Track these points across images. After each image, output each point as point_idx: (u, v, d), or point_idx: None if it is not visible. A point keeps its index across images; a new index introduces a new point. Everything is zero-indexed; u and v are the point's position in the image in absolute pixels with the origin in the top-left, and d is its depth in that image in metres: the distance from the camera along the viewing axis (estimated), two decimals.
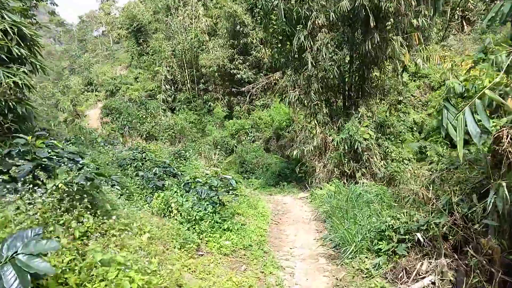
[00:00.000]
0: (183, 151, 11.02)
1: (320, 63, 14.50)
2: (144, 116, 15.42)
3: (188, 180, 7.70)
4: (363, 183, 13.05)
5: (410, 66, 14.31)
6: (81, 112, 30.50)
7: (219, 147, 26.09)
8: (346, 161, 13.31)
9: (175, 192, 7.45)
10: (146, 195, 8.18)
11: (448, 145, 16.79)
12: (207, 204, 6.70)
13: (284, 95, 15.82)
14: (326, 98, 14.90)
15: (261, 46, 28.04)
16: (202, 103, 29.51)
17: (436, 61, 13.52)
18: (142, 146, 9.73)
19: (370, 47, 12.36)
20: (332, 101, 15.07)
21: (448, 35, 25.68)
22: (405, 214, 5.74)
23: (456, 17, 26.48)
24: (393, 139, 13.92)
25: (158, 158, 10.63)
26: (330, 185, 12.02)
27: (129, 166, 9.37)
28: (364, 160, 13.07)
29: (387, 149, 13.48)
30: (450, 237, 4.86)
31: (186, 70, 30.03)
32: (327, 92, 14.80)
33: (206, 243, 6.32)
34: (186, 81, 30.28)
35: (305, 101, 14.89)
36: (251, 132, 25.20)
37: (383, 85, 14.30)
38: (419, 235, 4.92)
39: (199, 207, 6.65)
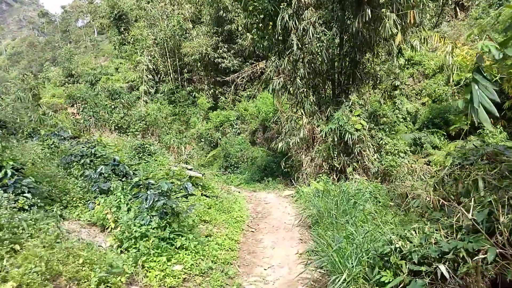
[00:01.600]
0: (148, 145, 9.27)
1: (306, 45, 12.80)
2: (112, 106, 13.58)
3: (137, 182, 5.95)
4: (354, 179, 11.45)
5: (406, 49, 12.63)
6: (61, 105, 28.37)
7: (203, 140, 24.37)
8: (335, 155, 11.70)
9: (119, 198, 5.71)
10: (88, 201, 6.44)
11: (444, 136, 15.26)
12: (152, 216, 4.98)
13: (268, 83, 14.05)
14: (314, 84, 13.22)
15: (247, 34, 26.15)
16: (186, 94, 27.60)
17: (435, 42, 11.85)
18: (94, 139, 7.91)
19: (361, 26, 10.70)
20: (320, 88, 13.38)
21: (441, 21, 24.06)
22: (417, 232, 4.07)
23: (450, 3, 24.86)
24: (387, 130, 12.31)
25: (117, 154, 8.86)
26: (318, 182, 10.37)
27: (75, 163, 7.61)
28: (356, 154, 11.47)
29: (381, 141, 11.88)
30: (491, 271, 3.20)
31: (169, 60, 28.06)
32: (314, 78, 13.10)
33: (147, 272, 4.62)
34: (169, 71, 28.30)
35: (291, 89, 13.22)
36: (237, 124, 23.47)
37: (376, 70, 12.62)
38: (442, 268, 3.28)
39: (141, 220, 4.92)
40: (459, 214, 4.01)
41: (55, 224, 4.54)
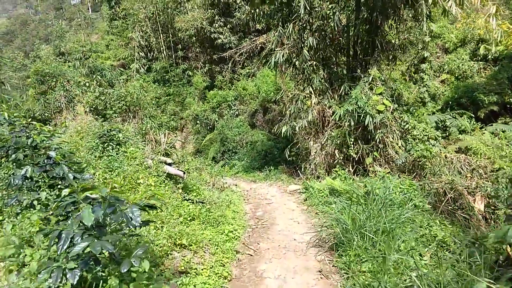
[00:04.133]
0: (115, 132, 6.91)
1: (316, 9, 10.23)
2: (87, 84, 11.13)
3: (65, 199, 3.60)
4: (375, 172, 9.11)
5: (436, 16, 10.03)
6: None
7: (198, 122, 21.95)
8: (352, 142, 9.31)
9: (32, 222, 3.39)
10: (8, 216, 4.19)
11: (472, 118, 12.84)
12: (69, 269, 2.66)
13: (269, 58, 11.49)
14: (324, 57, 10.71)
15: (246, 7, 23.28)
16: (180, 72, 24.95)
17: (476, 3, 9.25)
18: (34, 124, 5.53)
19: None
20: (332, 62, 10.85)
21: None
22: None
23: None
24: (413, 111, 9.93)
25: (68, 146, 6.50)
26: (333, 178, 8.05)
27: (3, 160, 5.30)
28: (377, 141, 9.07)
29: (406, 125, 9.47)
30: None
31: (161, 35, 25.28)
32: (325, 49, 10.58)
33: None
34: (162, 48, 25.57)
35: (297, 62, 10.71)
36: (235, 105, 21.02)
37: (400, 38, 10.08)
38: None
39: (45, 279, 2.62)
40: None
41: None
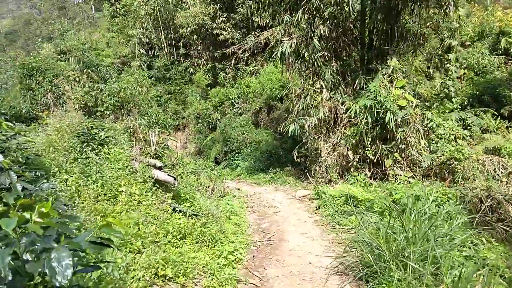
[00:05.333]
0: (96, 131, 5.78)
1: None
2: (76, 79, 10.05)
3: None
4: (396, 176, 7.92)
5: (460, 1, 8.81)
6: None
7: (200, 121, 20.82)
8: (369, 142, 8.11)
9: None
10: None
11: (495, 116, 11.58)
12: None
13: (274, 49, 10.32)
14: (337, 47, 9.48)
15: (250, 1, 22.11)
16: (182, 70, 23.82)
17: None
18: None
19: None
20: (346, 53, 9.65)
21: None
22: None
23: None
24: (437, 107, 8.74)
25: (43, 146, 5.37)
26: (350, 184, 6.87)
27: None
28: (398, 141, 7.87)
29: (430, 123, 8.25)
30: None
31: (162, 32, 24.16)
32: (338, 39, 9.38)
33: None
34: (163, 45, 24.46)
35: (306, 54, 9.48)
36: (238, 103, 19.85)
37: (422, 25, 8.88)
38: None
39: None
40: None
41: None
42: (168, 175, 5.41)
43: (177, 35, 24.19)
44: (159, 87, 24.83)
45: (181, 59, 24.42)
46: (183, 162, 7.62)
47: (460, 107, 12.28)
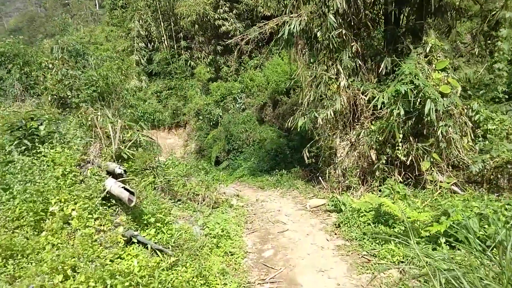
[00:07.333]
0: (37, 124, 4.08)
1: None
2: (50, 66, 8.39)
3: None
4: (435, 182, 6.11)
5: None
6: None
7: (201, 117, 19.12)
8: (400, 139, 6.29)
9: None
10: None
11: None
12: None
13: (280, 29, 8.51)
14: (356, 24, 7.65)
15: None
16: (183, 64, 22.12)
17: None
18: None
19: None
20: (369, 31, 7.83)
21: None
22: None
23: None
24: (486, 97, 6.89)
25: None
26: (384, 195, 5.06)
27: None
28: (439, 138, 6.04)
29: (477, 116, 6.40)
30: None
31: (162, 24, 22.47)
32: (358, 14, 7.53)
33: None
34: (163, 38, 22.77)
35: (318, 33, 7.66)
36: (241, 98, 18.11)
37: None
38: None
39: None
40: None
41: None
42: (123, 187, 3.65)
43: (177, 26, 22.46)
44: (159, 82, 23.20)
45: (182, 52, 22.72)
46: (164, 165, 5.91)
47: (507, 96, 10.31)
